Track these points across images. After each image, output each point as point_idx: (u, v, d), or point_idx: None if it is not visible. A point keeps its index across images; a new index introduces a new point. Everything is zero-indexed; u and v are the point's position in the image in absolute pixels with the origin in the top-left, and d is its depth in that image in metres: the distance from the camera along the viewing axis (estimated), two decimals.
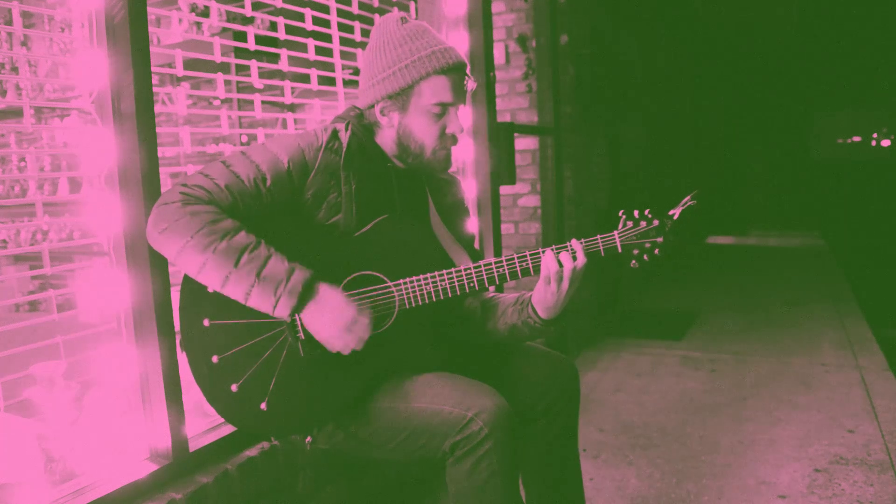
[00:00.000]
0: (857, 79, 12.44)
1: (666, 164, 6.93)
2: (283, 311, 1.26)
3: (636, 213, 1.41)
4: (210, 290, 1.32)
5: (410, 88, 1.40)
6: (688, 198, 1.41)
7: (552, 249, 1.39)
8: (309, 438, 1.42)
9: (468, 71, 1.46)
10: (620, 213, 1.42)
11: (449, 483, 1.32)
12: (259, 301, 1.25)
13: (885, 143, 14.25)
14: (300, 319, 1.32)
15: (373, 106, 1.46)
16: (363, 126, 1.48)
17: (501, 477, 1.27)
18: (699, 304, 5.04)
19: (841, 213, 11.73)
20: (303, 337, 1.33)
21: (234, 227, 1.27)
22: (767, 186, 12.77)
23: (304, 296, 1.27)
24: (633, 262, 1.41)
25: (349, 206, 1.40)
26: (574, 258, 1.37)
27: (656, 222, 1.40)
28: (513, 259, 1.39)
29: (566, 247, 1.39)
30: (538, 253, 1.39)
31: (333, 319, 1.28)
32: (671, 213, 1.41)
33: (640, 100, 5.79)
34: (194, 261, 1.24)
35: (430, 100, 1.40)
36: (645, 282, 5.71)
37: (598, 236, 1.40)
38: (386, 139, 1.48)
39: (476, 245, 2.63)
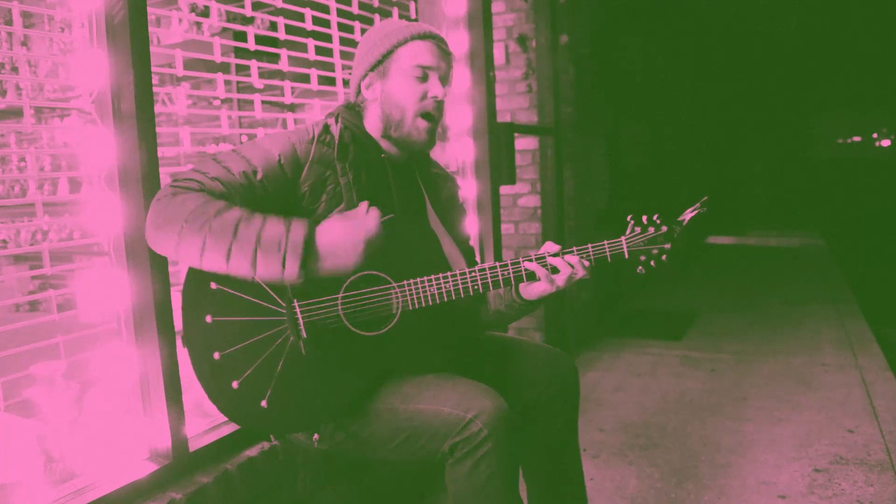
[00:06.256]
0: (857, 79, 12.43)
1: (666, 164, 6.94)
2: (292, 269, 1.23)
3: (644, 218, 1.40)
4: (213, 283, 1.32)
5: (390, 54, 1.46)
6: (698, 204, 1.40)
7: (560, 254, 1.38)
8: (316, 436, 1.42)
9: (448, 48, 1.49)
10: (629, 219, 1.41)
11: (449, 484, 1.32)
12: (266, 265, 1.23)
13: (885, 143, 14.25)
14: (298, 310, 1.31)
15: (359, 88, 1.50)
16: (353, 114, 1.51)
17: (501, 478, 1.27)
18: (699, 304, 5.04)
19: (841, 213, 11.73)
20: (304, 335, 1.33)
21: (227, 204, 1.27)
22: (767, 186, 12.76)
23: (309, 246, 1.25)
24: (640, 268, 1.40)
25: (350, 196, 1.41)
26: (582, 266, 1.38)
27: (665, 228, 1.39)
28: (518, 262, 1.39)
29: (572, 251, 1.39)
30: (543, 256, 1.39)
31: (349, 249, 1.27)
32: (681, 218, 1.40)
33: (641, 100, 5.79)
34: (194, 244, 1.23)
35: (408, 62, 1.45)
36: (645, 282, 5.71)
37: (605, 242, 1.39)
38: (373, 118, 1.50)
39: (476, 246, 2.64)
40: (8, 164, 4.33)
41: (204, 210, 1.24)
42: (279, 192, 1.37)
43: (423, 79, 1.45)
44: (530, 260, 1.39)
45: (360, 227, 1.29)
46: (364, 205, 1.32)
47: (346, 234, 1.28)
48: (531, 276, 1.40)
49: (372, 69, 1.48)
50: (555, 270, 1.39)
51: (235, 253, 1.23)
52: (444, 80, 1.48)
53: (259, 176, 1.34)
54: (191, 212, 1.23)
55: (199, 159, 1.37)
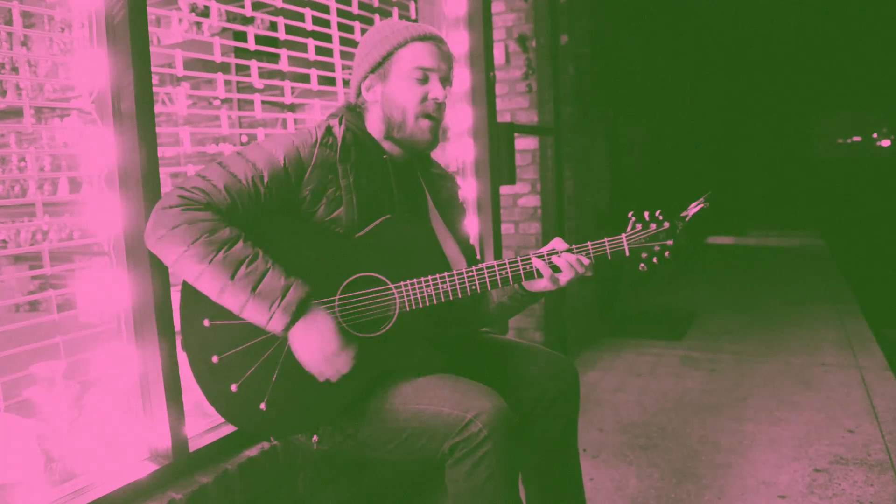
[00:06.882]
0: (856, 79, 12.44)
1: (666, 164, 6.94)
2: (276, 327, 1.27)
3: (646, 214, 1.38)
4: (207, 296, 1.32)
5: (389, 56, 1.45)
6: (701, 199, 1.39)
7: (563, 252, 1.38)
8: (315, 437, 1.42)
9: (448, 49, 1.49)
10: (630, 215, 1.39)
11: (448, 484, 1.32)
12: (253, 314, 1.26)
13: (885, 143, 14.25)
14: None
15: (360, 89, 1.50)
16: (355, 115, 1.51)
17: (500, 478, 1.27)
18: (699, 304, 5.04)
19: (841, 213, 11.73)
20: None
21: (233, 237, 1.27)
22: (767, 186, 12.76)
23: (298, 314, 1.27)
24: (642, 265, 1.39)
25: (349, 199, 1.41)
26: (581, 264, 1.37)
27: (666, 224, 1.37)
28: (516, 262, 1.38)
29: (571, 248, 1.38)
30: (542, 255, 1.39)
31: (318, 345, 1.28)
32: (683, 214, 1.38)
33: (641, 100, 5.79)
34: (191, 270, 1.25)
35: (409, 64, 1.44)
36: (645, 282, 5.71)
37: (606, 239, 1.38)
38: (374, 120, 1.50)
39: (476, 246, 2.64)
40: (8, 164, 4.33)
41: (209, 241, 1.25)
42: (282, 196, 1.37)
43: (424, 81, 1.45)
44: (527, 259, 1.39)
45: (336, 346, 1.28)
46: (352, 350, 1.31)
47: (331, 337, 1.28)
48: (529, 276, 1.39)
49: (372, 71, 1.47)
50: (556, 269, 1.39)
51: (228, 293, 1.25)
52: (445, 81, 1.47)
53: (266, 181, 1.34)
54: (194, 238, 1.24)
55: (205, 165, 1.37)
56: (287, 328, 1.27)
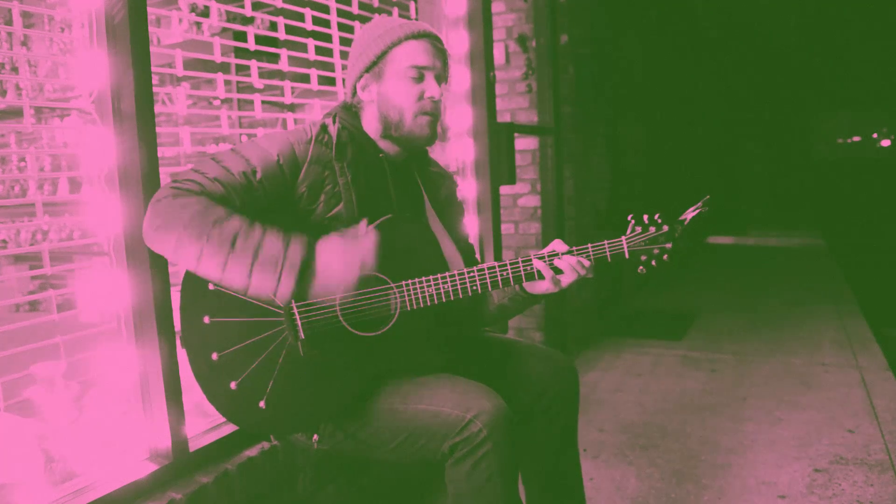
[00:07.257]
0: (856, 79, 12.44)
1: (666, 164, 6.94)
2: (286, 288, 1.24)
3: (645, 217, 1.39)
4: (211, 284, 1.32)
5: (384, 55, 1.45)
6: (700, 203, 1.40)
7: (564, 254, 1.38)
8: (316, 437, 1.42)
9: (443, 45, 1.49)
10: (629, 218, 1.40)
11: (448, 484, 1.32)
12: (261, 281, 1.24)
13: (885, 143, 14.25)
14: (296, 311, 1.31)
15: (355, 88, 1.49)
16: (350, 114, 1.51)
17: (501, 478, 1.27)
18: (699, 304, 5.04)
19: (841, 213, 11.72)
20: (302, 336, 1.33)
21: (227, 213, 1.26)
22: (768, 186, 12.76)
23: (306, 266, 1.26)
24: (641, 267, 1.40)
25: (349, 196, 1.41)
26: (582, 266, 1.38)
27: (666, 228, 1.38)
28: (517, 263, 1.39)
29: (572, 251, 1.39)
30: (543, 256, 1.39)
31: (341, 273, 1.27)
32: (682, 217, 1.39)
33: (641, 100, 5.79)
34: (191, 251, 1.23)
35: (403, 63, 1.44)
36: (645, 282, 5.71)
37: (606, 241, 1.39)
38: (370, 119, 1.50)
39: (476, 246, 2.64)
40: (8, 164, 4.33)
41: (203, 217, 1.24)
42: (277, 193, 1.37)
43: (419, 79, 1.45)
44: (529, 260, 1.39)
45: (358, 249, 1.29)
46: (363, 224, 1.32)
47: (343, 255, 1.28)
48: (530, 277, 1.40)
49: (367, 70, 1.47)
50: (558, 271, 1.39)
51: (231, 265, 1.23)
52: (441, 78, 1.47)
53: (258, 176, 1.34)
54: (190, 218, 1.23)
55: (199, 159, 1.37)
56: (298, 284, 1.24)
